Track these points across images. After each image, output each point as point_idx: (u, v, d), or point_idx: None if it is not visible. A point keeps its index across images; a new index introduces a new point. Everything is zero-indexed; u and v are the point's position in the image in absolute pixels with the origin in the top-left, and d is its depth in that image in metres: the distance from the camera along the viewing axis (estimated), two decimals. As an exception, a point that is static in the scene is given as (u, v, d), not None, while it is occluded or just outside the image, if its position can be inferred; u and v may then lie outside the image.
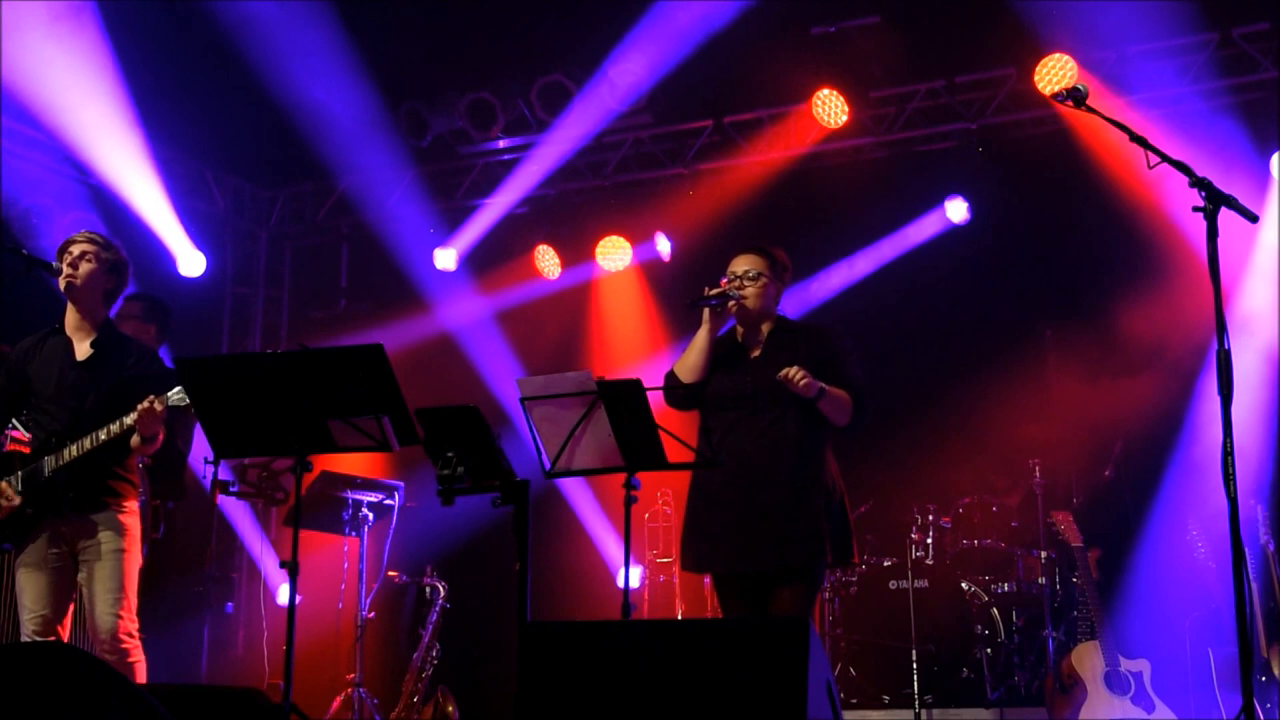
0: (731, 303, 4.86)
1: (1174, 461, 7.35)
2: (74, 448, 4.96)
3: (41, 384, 5.11)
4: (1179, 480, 7.24)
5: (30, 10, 7.30)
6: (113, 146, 8.37)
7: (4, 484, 4.99)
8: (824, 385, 4.69)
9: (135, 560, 5.09)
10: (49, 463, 4.99)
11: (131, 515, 5.11)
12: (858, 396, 4.81)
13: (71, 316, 5.18)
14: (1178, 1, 7.47)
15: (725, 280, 4.94)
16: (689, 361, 4.88)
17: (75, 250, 5.10)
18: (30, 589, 4.99)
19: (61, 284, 5.12)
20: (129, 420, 4.88)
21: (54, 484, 4.98)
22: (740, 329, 5.00)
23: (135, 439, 4.95)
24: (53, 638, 4.95)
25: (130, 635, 5.00)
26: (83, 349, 5.14)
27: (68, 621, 5.12)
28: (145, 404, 4.82)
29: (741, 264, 4.95)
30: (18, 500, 4.97)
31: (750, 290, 4.90)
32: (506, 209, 9.27)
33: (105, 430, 4.93)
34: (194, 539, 8.45)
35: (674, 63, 8.25)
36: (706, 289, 4.89)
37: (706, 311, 4.87)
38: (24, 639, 4.93)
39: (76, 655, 3.78)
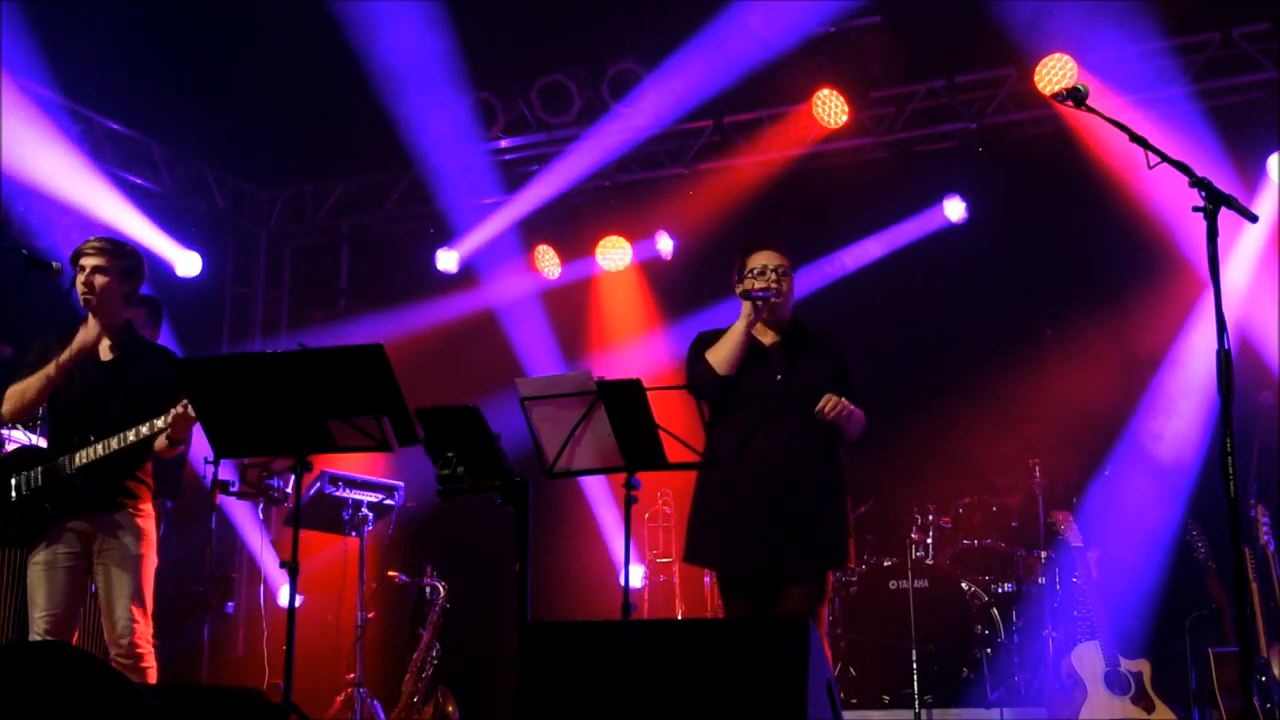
0: (773, 300, 4.81)
1: (1174, 460, 7.36)
2: (99, 446, 4.97)
3: (65, 385, 5.11)
4: (1179, 480, 7.24)
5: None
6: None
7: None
8: (854, 410, 4.68)
9: (152, 564, 5.11)
10: (71, 461, 5.00)
11: (147, 518, 5.13)
12: (866, 412, 4.81)
13: (92, 320, 5.18)
14: (1177, 2, 7.47)
15: (749, 275, 4.89)
16: (725, 352, 4.78)
17: (87, 265, 5.09)
18: (43, 588, 4.98)
19: (80, 301, 5.11)
20: (160, 423, 4.89)
21: (74, 482, 5.00)
22: (762, 326, 4.96)
23: (163, 441, 4.97)
24: (65, 636, 4.95)
25: (146, 641, 5.01)
26: (105, 351, 5.16)
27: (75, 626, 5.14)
28: (180, 408, 4.82)
29: (772, 259, 4.89)
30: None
31: (786, 286, 4.88)
32: (520, 215, 9.25)
33: (134, 431, 4.94)
34: (194, 539, 8.44)
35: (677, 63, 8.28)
36: (753, 282, 4.82)
37: (748, 304, 4.79)
38: (34, 638, 4.92)
39: (76, 655, 3.78)
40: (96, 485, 5.01)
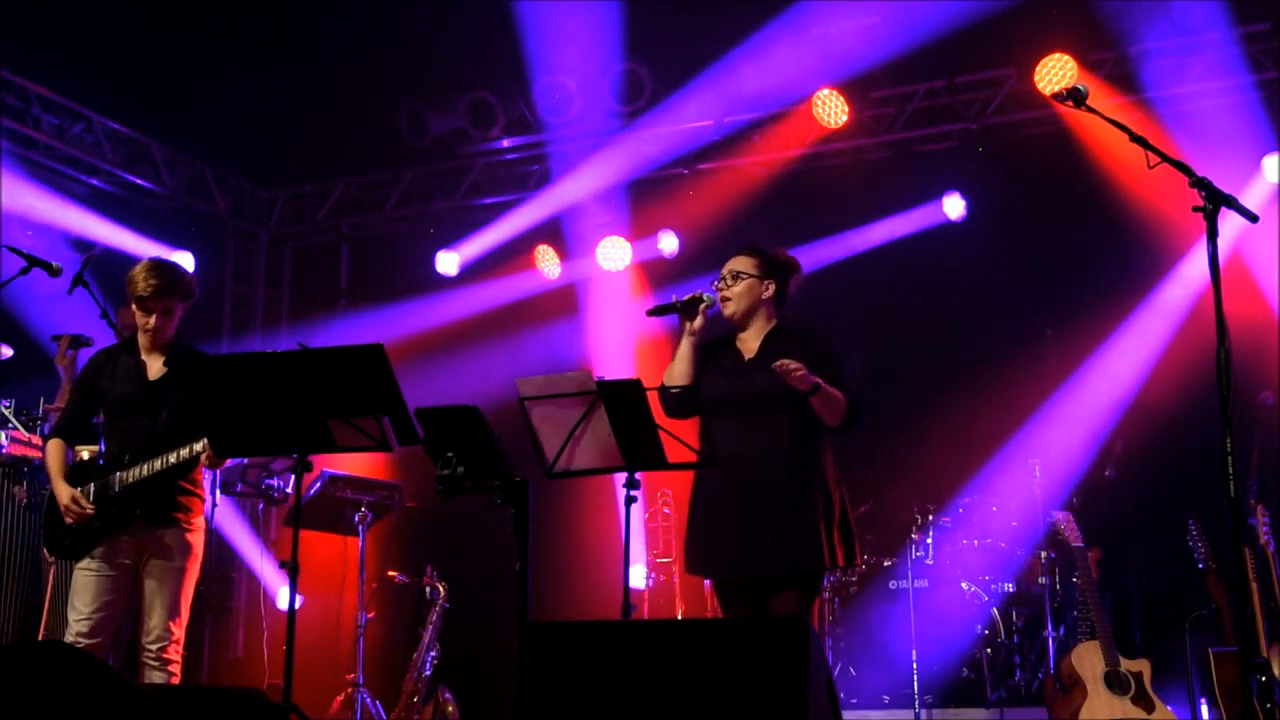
0: (703, 305, 4.81)
1: (1174, 460, 7.35)
2: (145, 467, 5.01)
3: (115, 401, 5.15)
4: (1179, 479, 7.24)
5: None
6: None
7: (78, 493, 5.03)
8: (820, 381, 4.60)
9: (194, 577, 5.15)
10: (120, 479, 5.03)
11: (197, 532, 5.16)
12: (851, 399, 4.74)
13: (144, 337, 5.20)
14: (1178, 1, 7.47)
15: (717, 281, 4.91)
16: (675, 370, 4.82)
17: (155, 305, 5.09)
18: (85, 592, 5.02)
19: (152, 335, 5.13)
20: (199, 447, 4.92)
21: (122, 500, 5.02)
22: (738, 331, 4.96)
23: (206, 457, 4.99)
24: (99, 639, 4.99)
25: (176, 652, 5.07)
26: (155, 367, 5.18)
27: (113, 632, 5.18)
28: None
29: (730, 265, 4.89)
30: (91, 510, 5.01)
31: (734, 291, 4.83)
32: (528, 222, 9.24)
33: (176, 454, 4.97)
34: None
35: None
36: (674, 296, 4.83)
37: (683, 319, 4.81)
38: (69, 639, 4.96)
39: (76, 655, 3.79)
40: (145, 502, 5.04)
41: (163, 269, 5.15)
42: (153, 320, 5.11)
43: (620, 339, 9.01)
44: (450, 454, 4.31)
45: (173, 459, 4.97)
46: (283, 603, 8.21)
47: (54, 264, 5.19)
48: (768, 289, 4.87)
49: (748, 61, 8.19)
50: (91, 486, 5.07)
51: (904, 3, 7.70)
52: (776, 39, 8.05)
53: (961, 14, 7.57)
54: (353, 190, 9.85)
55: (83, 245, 5.17)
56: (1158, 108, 7.66)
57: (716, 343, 4.91)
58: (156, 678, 5.01)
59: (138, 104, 8.69)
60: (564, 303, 9.31)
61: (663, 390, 4.78)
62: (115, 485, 5.03)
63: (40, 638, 5.93)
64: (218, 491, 7.41)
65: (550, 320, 9.28)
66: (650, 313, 4.88)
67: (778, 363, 4.54)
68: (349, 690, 7.09)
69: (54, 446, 5.20)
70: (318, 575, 8.13)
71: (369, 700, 7.05)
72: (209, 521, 7.47)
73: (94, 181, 8.91)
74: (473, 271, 9.46)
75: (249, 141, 9.17)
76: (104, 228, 8.61)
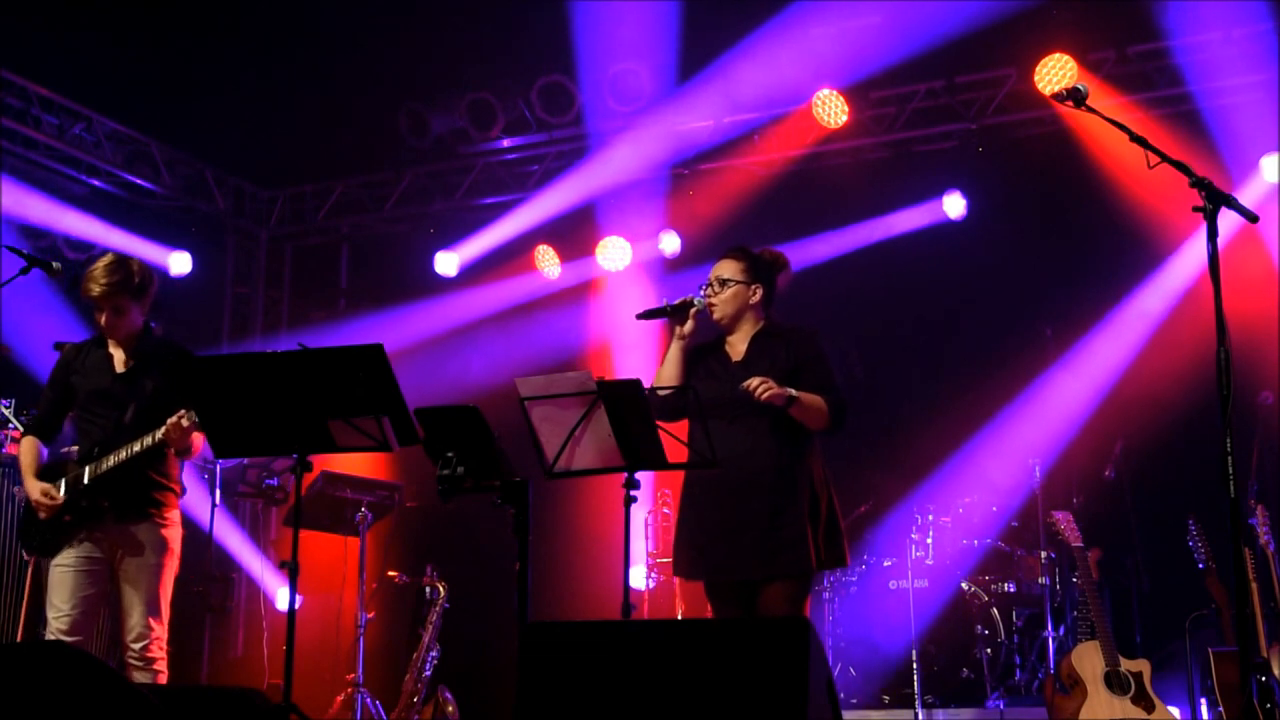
0: (693, 309, 4.81)
1: (1174, 460, 7.35)
2: (110, 458, 5.03)
3: (85, 395, 5.18)
4: (1179, 480, 7.23)
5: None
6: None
7: (49, 486, 5.07)
8: (794, 393, 4.59)
9: (172, 572, 5.16)
10: (88, 472, 5.05)
11: (172, 527, 5.17)
12: (836, 401, 4.73)
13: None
14: (1178, 1, 7.47)
15: (705, 287, 4.91)
16: (664, 373, 4.84)
17: (104, 304, 5.12)
18: (61, 589, 5.03)
19: (107, 332, 5.18)
20: (159, 434, 4.94)
21: (92, 493, 5.04)
22: (726, 334, 4.96)
23: (173, 434, 4.99)
24: (80, 636, 4.99)
25: (159, 649, 5.07)
26: (122, 360, 5.21)
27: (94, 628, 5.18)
28: (174, 419, 4.90)
29: (716, 270, 4.90)
30: (61, 499, 5.04)
31: (721, 297, 4.84)
32: (528, 224, 9.24)
33: (139, 442, 5.00)
34: (194, 539, 8.45)
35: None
36: (665, 300, 4.84)
37: (673, 322, 4.82)
38: (49, 638, 4.96)
39: (76, 655, 3.79)
40: (115, 495, 5.05)
41: (113, 268, 5.15)
42: (104, 318, 5.15)
43: (629, 337, 9.01)
44: (450, 454, 4.32)
45: (136, 447, 4.99)
46: (282, 603, 8.21)
47: (54, 264, 5.20)
48: (755, 293, 4.88)
49: (748, 62, 8.19)
50: (63, 482, 5.08)
51: (904, 3, 7.70)
52: (777, 39, 8.06)
53: (962, 14, 7.57)
54: (353, 190, 9.85)
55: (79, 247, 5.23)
56: (1158, 107, 7.67)
57: (706, 346, 4.93)
58: (142, 678, 4.98)
59: (138, 104, 8.70)
60: (569, 300, 9.30)
61: (651, 393, 4.77)
62: (84, 478, 5.05)
63: (19, 637, 5.93)
64: (218, 492, 7.41)
65: (556, 317, 9.28)
66: (640, 316, 4.88)
67: (745, 384, 4.57)
68: (349, 690, 7.09)
69: (27, 444, 5.22)
70: (318, 575, 8.13)
71: (369, 700, 7.05)
72: (210, 526, 7.53)
73: (94, 182, 8.91)
74: (472, 272, 9.46)
75: (249, 141, 9.17)
76: (104, 228, 8.63)
